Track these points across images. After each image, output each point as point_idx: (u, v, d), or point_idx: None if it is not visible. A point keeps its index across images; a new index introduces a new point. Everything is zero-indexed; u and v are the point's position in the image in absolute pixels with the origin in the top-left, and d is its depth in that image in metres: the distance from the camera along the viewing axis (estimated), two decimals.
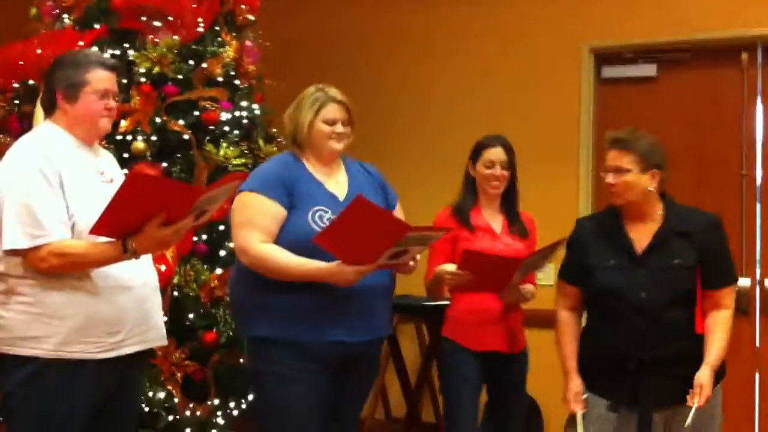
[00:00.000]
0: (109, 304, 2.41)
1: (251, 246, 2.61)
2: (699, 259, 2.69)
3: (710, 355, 2.65)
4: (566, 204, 4.64)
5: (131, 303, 2.47)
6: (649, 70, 4.72)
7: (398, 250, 2.50)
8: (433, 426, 4.38)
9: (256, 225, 2.63)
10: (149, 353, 2.72)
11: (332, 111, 2.77)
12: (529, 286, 3.18)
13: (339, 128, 2.77)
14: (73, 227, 2.38)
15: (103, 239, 2.34)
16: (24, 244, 2.33)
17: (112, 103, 2.56)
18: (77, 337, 2.37)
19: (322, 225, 2.62)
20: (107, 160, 2.68)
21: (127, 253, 2.33)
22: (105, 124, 2.56)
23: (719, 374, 2.71)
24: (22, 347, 2.37)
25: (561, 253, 2.97)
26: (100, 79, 2.52)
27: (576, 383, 2.79)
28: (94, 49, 3.34)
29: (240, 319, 2.82)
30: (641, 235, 2.72)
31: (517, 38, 4.81)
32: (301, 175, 2.74)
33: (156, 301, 2.60)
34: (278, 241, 2.64)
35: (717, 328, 2.69)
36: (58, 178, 2.38)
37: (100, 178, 2.53)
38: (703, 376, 2.60)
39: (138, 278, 2.50)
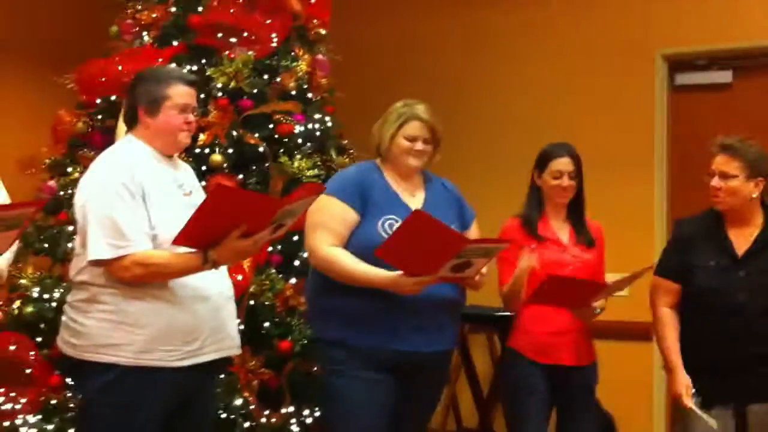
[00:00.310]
0: (186, 313, 2.46)
1: (319, 248, 2.70)
2: None
3: None
4: (640, 211, 4.59)
5: (208, 312, 2.51)
6: (724, 76, 4.64)
7: (460, 262, 2.52)
8: None
9: (327, 227, 2.70)
10: (225, 361, 2.75)
11: (414, 128, 2.82)
12: (599, 302, 3.13)
13: (419, 146, 2.82)
14: (154, 238, 2.44)
15: (184, 250, 2.39)
16: (108, 254, 2.39)
17: (191, 118, 2.61)
18: (155, 345, 2.43)
19: (390, 234, 2.66)
20: (186, 172, 2.73)
21: (207, 263, 2.38)
22: (184, 137, 2.62)
23: None
24: (103, 354, 2.43)
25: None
26: (180, 94, 2.57)
27: (684, 377, 2.82)
28: (172, 65, 3.45)
29: (311, 320, 2.93)
30: (741, 240, 2.82)
31: (591, 45, 4.78)
32: (379, 184, 2.81)
33: (231, 310, 2.65)
34: (347, 246, 2.70)
35: None
36: (140, 190, 2.44)
37: (180, 190, 2.59)
38: None
39: (214, 288, 2.54)
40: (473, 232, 2.90)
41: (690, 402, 2.77)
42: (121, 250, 2.38)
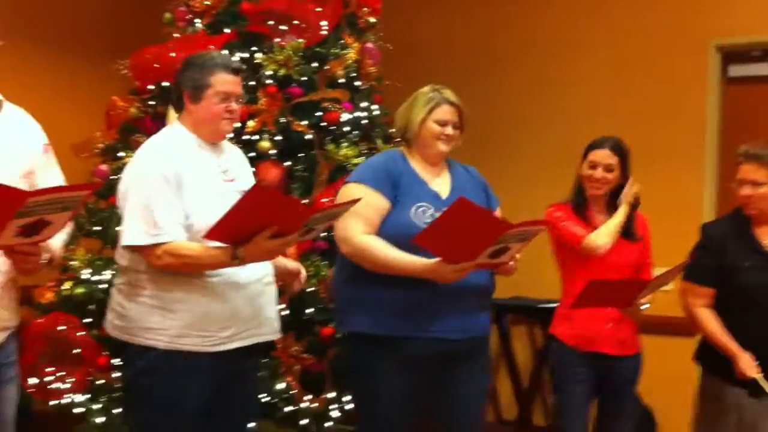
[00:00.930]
0: (222, 301, 2.50)
1: (353, 235, 2.66)
2: None
3: None
4: (690, 205, 4.54)
5: (244, 300, 2.54)
6: None
7: (498, 248, 2.51)
8: (544, 429, 4.37)
9: (359, 215, 2.66)
10: (266, 345, 2.77)
11: (445, 112, 2.79)
12: (646, 298, 3.10)
13: (449, 130, 2.79)
14: (190, 227, 2.47)
15: (216, 243, 2.42)
16: (141, 241, 2.44)
17: (234, 106, 2.60)
18: (191, 330, 2.47)
19: (424, 220, 2.65)
20: (233, 158, 2.73)
21: (235, 260, 2.40)
22: (225, 126, 2.61)
23: None
24: (142, 337, 2.49)
25: None
26: (223, 82, 2.56)
27: (744, 353, 2.86)
28: (224, 51, 3.49)
29: (338, 313, 2.87)
30: None
31: (643, 36, 4.72)
32: (407, 171, 2.78)
33: (270, 296, 2.66)
34: (380, 233, 2.67)
35: None
36: (178, 180, 2.46)
37: (222, 176, 2.60)
38: None
39: (253, 276, 2.56)
40: None
41: (755, 373, 2.83)
42: (154, 238, 2.42)
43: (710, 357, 3.03)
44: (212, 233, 2.34)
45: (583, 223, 3.11)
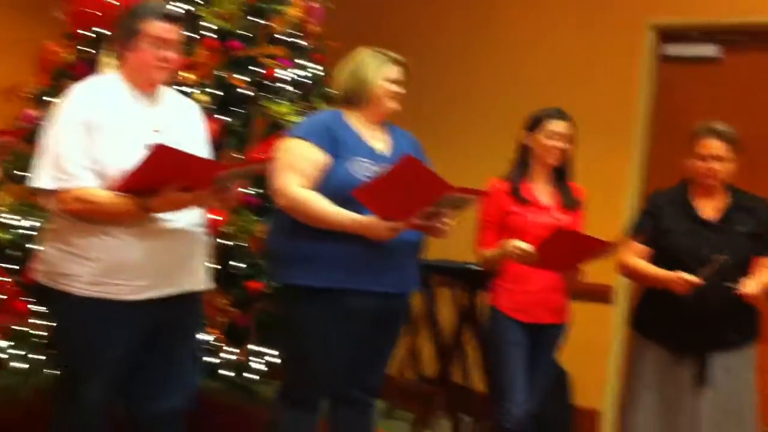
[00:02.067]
0: (136, 248, 2.49)
1: (289, 188, 2.70)
2: (756, 231, 3.11)
3: (758, 275, 3.05)
4: (617, 180, 4.66)
5: (164, 249, 2.55)
6: (712, 50, 4.65)
7: (433, 211, 2.58)
8: (462, 388, 4.50)
9: (296, 169, 2.71)
10: (194, 296, 2.74)
11: (396, 72, 2.87)
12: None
13: (399, 89, 2.87)
14: (104, 175, 2.46)
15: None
16: (47, 185, 2.45)
17: (169, 54, 2.58)
18: (103, 278, 2.48)
19: (364, 176, 2.70)
20: (172, 111, 2.71)
21: (144, 210, 2.43)
22: (157, 74, 2.59)
23: (754, 332, 3.17)
24: (59, 283, 2.51)
25: None
26: (155, 28, 2.54)
27: (675, 273, 3.01)
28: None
29: (276, 266, 2.90)
30: (709, 208, 3.15)
31: (577, 11, 4.79)
32: (347, 129, 2.82)
33: (195, 247, 2.67)
34: (319, 188, 2.71)
35: (764, 272, 3.10)
36: (92, 126, 2.45)
37: (151, 127, 2.58)
38: (752, 278, 3.02)
39: (175, 225, 2.56)
40: None
41: (696, 278, 2.97)
42: (61, 183, 2.43)
43: (642, 322, 3.26)
44: (120, 186, 2.38)
45: (516, 200, 3.19)
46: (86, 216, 2.46)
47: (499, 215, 3.19)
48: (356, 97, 2.86)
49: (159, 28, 2.56)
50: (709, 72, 4.67)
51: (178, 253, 2.61)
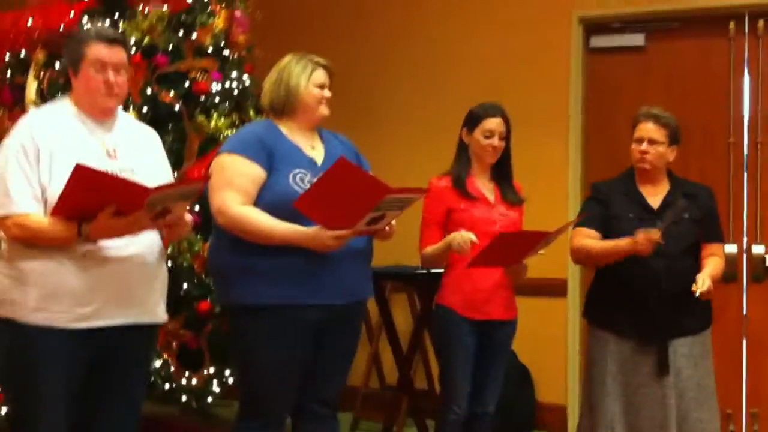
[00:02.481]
0: (80, 275, 2.42)
1: (229, 207, 2.60)
2: (701, 218, 3.14)
3: (708, 267, 3.10)
4: (556, 170, 4.68)
5: (108, 276, 2.45)
6: (637, 39, 4.74)
7: (376, 215, 2.51)
8: (426, 392, 4.43)
9: (234, 186, 2.62)
10: (148, 328, 2.62)
11: (322, 76, 2.79)
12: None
13: (327, 93, 2.80)
14: (49, 201, 2.40)
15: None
16: None
17: (113, 78, 2.51)
18: (46, 305, 2.40)
19: (303, 187, 2.62)
20: (126, 136, 2.63)
21: (81, 237, 2.37)
22: (104, 99, 2.53)
23: (709, 318, 3.18)
24: (3, 308, 2.44)
25: None
26: (97, 51, 2.50)
27: (631, 238, 3.01)
28: (84, 19, 3.34)
29: (219, 286, 2.82)
30: (654, 196, 3.17)
31: (506, 8, 4.81)
32: (281, 139, 2.74)
33: (146, 276, 2.56)
34: (258, 203, 2.63)
35: (712, 261, 3.16)
36: (40, 152, 2.41)
37: (104, 153, 2.51)
38: (704, 273, 3.05)
39: (122, 252, 2.47)
40: None
41: (656, 233, 2.96)
42: (3, 209, 2.40)
43: (597, 312, 3.23)
44: (53, 211, 2.35)
45: (462, 196, 3.14)
46: (27, 242, 2.41)
47: (442, 213, 3.13)
48: (286, 106, 2.78)
49: (101, 50, 2.51)
50: (635, 61, 4.76)
51: (126, 282, 2.50)
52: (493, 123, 3.17)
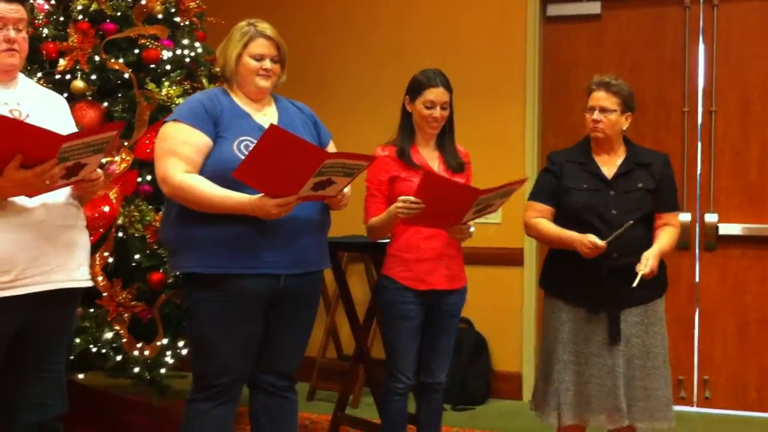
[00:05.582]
0: None
1: (172, 175, 2.56)
2: (655, 187, 3.13)
3: (658, 242, 3.10)
4: (512, 138, 4.69)
5: (28, 241, 2.37)
6: (593, 7, 4.75)
7: (321, 179, 2.46)
8: (382, 362, 4.43)
9: (178, 154, 2.58)
10: (69, 293, 2.51)
11: (260, 46, 2.72)
12: (471, 221, 3.16)
13: (267, 64, 2.72)
14: None
15: None
16: None
17: (12, 35, 2.46)
18: None
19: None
20: (29, 94, 2.57)
21: None
22: (3, 56, 2.46)
23: (663, 286, 3.18)
24: None
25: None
26: None
27: (583, 235, 3.01)
28: None
29: (170, 255, 2.78)
30: (609, 165, 3.16)
31: None
32: (228, 107, 2.69)
33: (68, 241, 2.48)
34: (203, 171, 2.59)
35: (664, 233, 3.15)
36: None
37: (6, 113, 2.43)
38: (651, 252, 3.04)
39: (40, 216, 2.40)
40: (331, 150, 2.83)
41: (601, 242, 2.97)
42: None
43: (551, 282, 3.24)
44: None
45: (405, 166, 3.11)
46: None
47: (385, 183, 3.08)
48: (225, 75, 2.75)
49: (0, 8, 2.44)
50: (591, 29, 4.77)
51: (46, 246, 2.41)
52: (434, 93, 3.10)
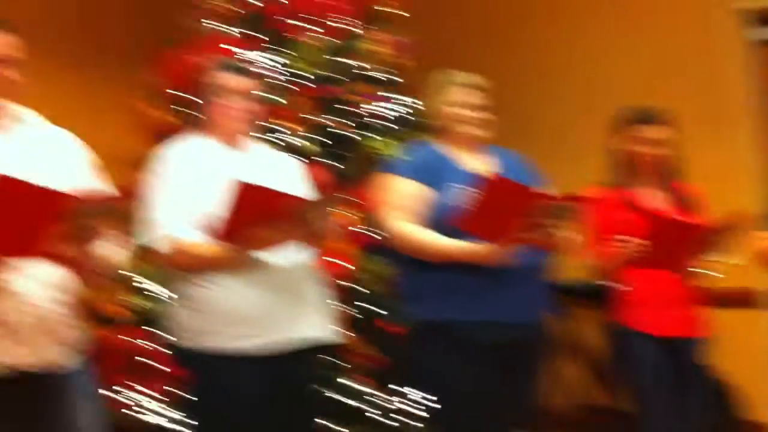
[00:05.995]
0: (227, 297, 2.41)
1: (395, 227, 2.63)
2: None
3: None
4: (734, 168, 4.40)
5: (256, 296, 2.43)
6: None
7: (534, 222, 2.45)
8: (610, 409, 4.24)
9: (399, 207, 2.64)
10: (321, 349, 2.59)
11: (463, 93, 2.76)
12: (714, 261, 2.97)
13: (480, 114, 2.75)
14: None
15: None
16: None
17: (247, 105, 2.58)
18: (208, 327, 2.43)
19: (464, 203, 2.55)
20: (257, 157, 2.65)
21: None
22: (238, 125, 2.58)
23: None
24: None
25: None
26: (228, 81, 2.57)
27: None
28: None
29: (405, 306, 2.80)
30: None
31: (663, 4, 4.65)
32: (442, 157, 2.74)
33: (299, 296, 2.52)
34: (425, 223, 2.62)
35: None
36: (189, 181, 2.46)
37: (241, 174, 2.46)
38: None
39: (271, 267, 2.45)
40: None
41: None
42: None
43: None
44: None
45: (631, 209, 2.94)
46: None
47: (610, 227, 2.94)
48: (437, 126, 2.80)
49: (231, 80, 2.56)
50: None
51: (280, 302, 2.47)
52: (649, 131, 3.01)
